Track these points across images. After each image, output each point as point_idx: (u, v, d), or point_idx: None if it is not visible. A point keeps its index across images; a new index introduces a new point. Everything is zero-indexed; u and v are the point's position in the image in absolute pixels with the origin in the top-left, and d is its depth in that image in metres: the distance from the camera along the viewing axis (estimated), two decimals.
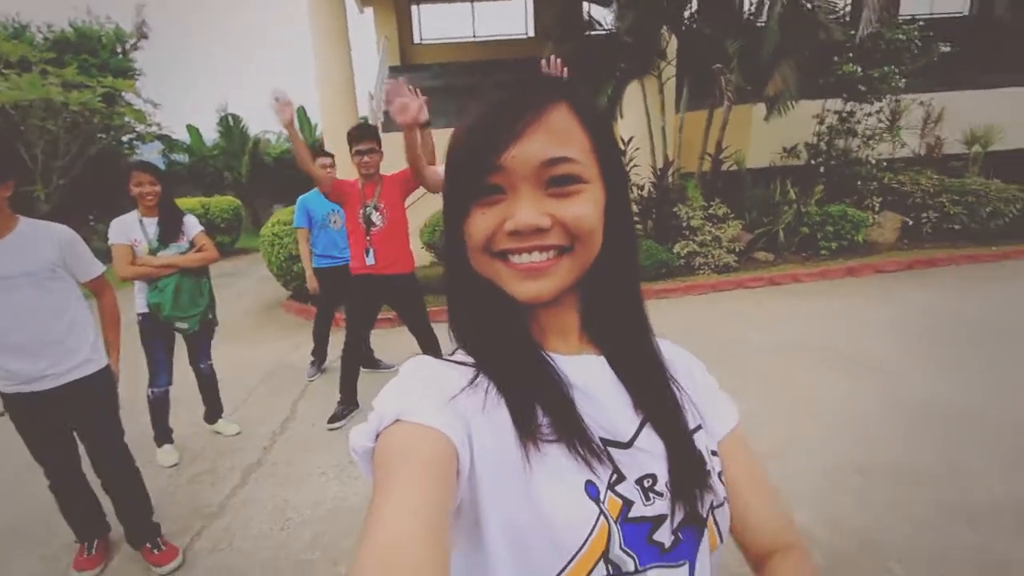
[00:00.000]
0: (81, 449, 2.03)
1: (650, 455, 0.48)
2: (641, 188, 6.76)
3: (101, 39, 12.61)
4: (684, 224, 6.27)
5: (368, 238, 3.00)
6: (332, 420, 3.16)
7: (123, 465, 2.08)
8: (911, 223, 6.99)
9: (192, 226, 2.75)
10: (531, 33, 13.41)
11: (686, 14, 6.70)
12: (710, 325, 4.69)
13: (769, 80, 5.99)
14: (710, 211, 6.38)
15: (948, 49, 7.00)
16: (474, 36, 13.74)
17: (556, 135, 0.44)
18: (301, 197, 3.80)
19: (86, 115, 7.42)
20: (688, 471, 0.49)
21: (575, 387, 0.48)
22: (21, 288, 1.78)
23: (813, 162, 7.28)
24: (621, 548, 0.44)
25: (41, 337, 1.82)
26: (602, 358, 0.52)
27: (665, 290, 5.73)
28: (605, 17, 7.11)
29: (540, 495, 0.43)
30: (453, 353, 0.53)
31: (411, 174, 3.03)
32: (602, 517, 0.43)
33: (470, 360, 0.50)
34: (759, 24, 6.22)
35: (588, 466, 0.44)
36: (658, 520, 0.46)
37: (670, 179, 6.81)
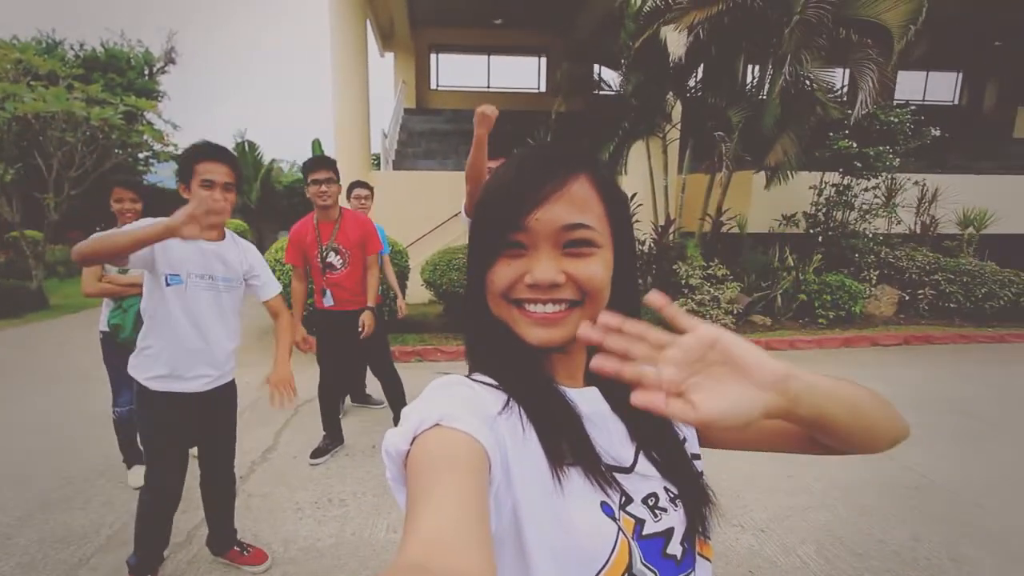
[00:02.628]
0: None
1: (649, 478, 0.54)
2: (642, 244, 6.89)
3: (130, 61, 13.15)
4: (683, 282, 6.36)
5: (324, 278, 2.96)
6: (315, 455, 3.09)
7: (233, 470, 2.15)
8: (907, 298, 7.10)
9: None
10: (543, 89, 14.04)
11: (691, 82, 7.05)
12: None
13: (770, 150, 6.24)
14: (709, 271, 6.49)
15: (939, 134, 7.34)
16: (488, 87, 14.36)
17: (576, 203, 0.50)
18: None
19: (105, 130, 7.64)
20: (690, 490, 0.55)
21: (584, 417, 0.53)
22: (232, 290, 1.91)
23: (811, 231, 7.47)
24: (643, 563, 0.49)
25: (219, 340, 1.90)
26: (595, 389, 0.57)
27: None
28: (614, 79, 7.48)
29: (570, 514, 0.47)
30: (471, 374, 0.56)
31: (374, 235, 3.04)
32: (621, 533, 0.48)
33: (494, 383, 0.53)
34: (761, 97, 6.54)
35: (601, 489, 0.49)
36: (668, 534, 0.52)
37: (671, 237, 6.96)
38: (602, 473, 0.50)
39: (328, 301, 2.98)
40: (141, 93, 12.23)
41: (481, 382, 0.53)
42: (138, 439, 1.95)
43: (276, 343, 2.08)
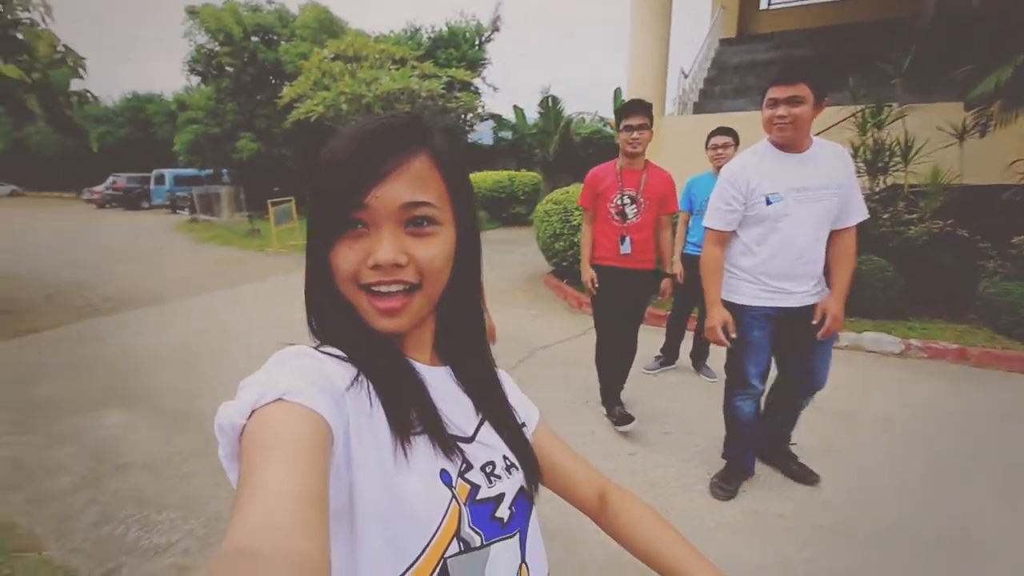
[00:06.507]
0: None
1: (488, 447, 0.62)
2: None
3: (465, 35, 16.13)
4: None
5: (624, 225, 2.88)
6: (621, 422, 3.04)
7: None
8: None
9: None
10: None
11: None
12: None
13: None
14: None
15: None
16: None
17: (416, 180, 0.53)
18: (689, 179, 3.74)
19: (433, 99, 9.82)
20: (525, 457, 0.65)
21: (432, 389, 0.59)
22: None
23: None
24: (470, 526, 0.54)
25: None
26: (448, 369, 0.66)
27: None
28: None
29: (407, 486, 0.51)
30: (319, 346, 0.57)
31: (674, 193, 2.97)
32: (454, 500, 0.53)
33: (343, 355, 0.55)
34: None
35: (445, 456, 0.55)
36: (498, 499, 0.58)
37: None
38: (446, 440, 0.55)
39: (626, 249, 2.89)
40: (472, 63, 14.94)
41: (329, 354, 0.54)
42: None
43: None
